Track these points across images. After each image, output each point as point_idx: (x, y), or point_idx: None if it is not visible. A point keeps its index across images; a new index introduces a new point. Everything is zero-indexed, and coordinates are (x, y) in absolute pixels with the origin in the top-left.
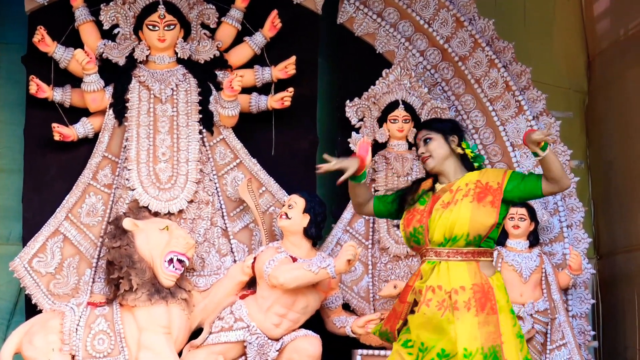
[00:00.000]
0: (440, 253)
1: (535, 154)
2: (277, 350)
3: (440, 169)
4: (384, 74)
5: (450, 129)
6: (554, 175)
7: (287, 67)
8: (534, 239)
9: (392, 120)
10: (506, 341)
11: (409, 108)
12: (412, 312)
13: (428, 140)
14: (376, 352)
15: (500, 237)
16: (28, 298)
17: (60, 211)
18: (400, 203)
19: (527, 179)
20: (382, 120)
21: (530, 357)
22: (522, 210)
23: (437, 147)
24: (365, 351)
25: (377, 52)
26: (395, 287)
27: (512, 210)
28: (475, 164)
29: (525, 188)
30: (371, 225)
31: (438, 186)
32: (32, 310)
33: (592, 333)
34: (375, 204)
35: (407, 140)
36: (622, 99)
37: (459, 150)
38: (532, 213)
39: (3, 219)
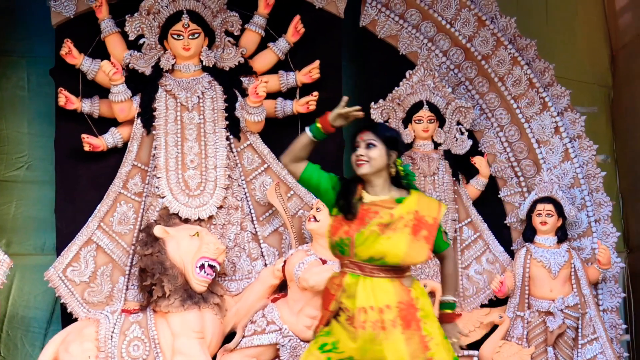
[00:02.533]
0: (364, 268)
1: None
2: None
3: (370, 178)
4: (407, 75)
5: (394, 143)
6: None
7: (311, 72)
8: (562, 235)
9: (417, 121)
10: (436, 346)
11: (433, 108)
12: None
13: (371, 146)
14: None
15: (528, 233)
16: (64, 307)
17: (92, 220)
18: (329, 193)
19: (440, 233)
20: (407, 121)
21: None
22: (550, 207)
23: (378, 156)
24: None
25: (400, 53)
26: (424, 286)
27: (540, 206)
28: (404, 182)
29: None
30: None
31: (367, 197)
32: (67, 318)
33: (624, 327)
34: (308, 170)
35: (433, 140)
36: None
37: (393, 168)
38: (560, 209)
39: (37, 230)
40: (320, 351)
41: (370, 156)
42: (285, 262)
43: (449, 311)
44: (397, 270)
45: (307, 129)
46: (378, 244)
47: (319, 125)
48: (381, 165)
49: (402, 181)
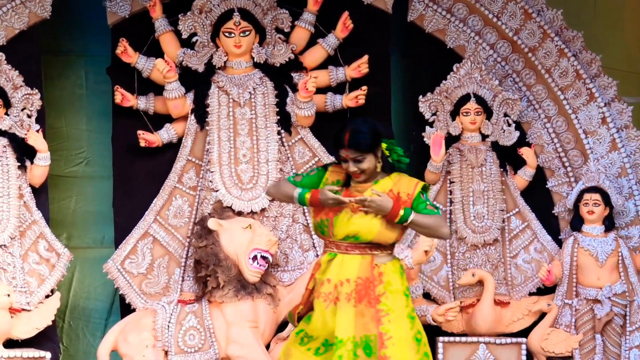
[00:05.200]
0: (340, 246)
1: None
2: None
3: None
4: (455, 68)
5: (376, 144)
6: (427, 234)
7: (360, 67)
8: (609, 224)
9: (464, 113)
10: (389, 322)
11: (480, 101)
12: None
13: (358, 162)
14: (457, 338)
15: (576, 222)
16: (122, 298)
17: (148, 214)
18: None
19: (424, 205)
20: (454, 114)
21: (421, 336)
22: (597, 196)
23: (368, 164)
24: (447, 338)
25: (448, 47)
26: (473, 275)
27: (587, 196)
28: (391, 163)
29: (417, 211)
30: (448, 216)
31: (353, 182)
32: (126, 309)
33: None
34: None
35: (480, 132)
36: None
37: (380, 162)
38: (607, 198)
39: (96, 224)
40: (300, 345)
41: (362, 168)
42: None
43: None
44: (372, 247)
45: (296, 193)
46: (351, 223)
47: (307, 198)
48: (374, 167)
49: (388, 165)
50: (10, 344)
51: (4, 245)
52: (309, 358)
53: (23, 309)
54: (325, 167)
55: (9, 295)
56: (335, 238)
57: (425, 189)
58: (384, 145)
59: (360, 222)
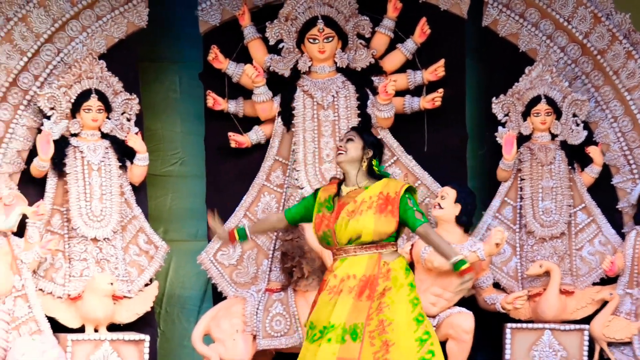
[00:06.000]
0: (348, 250)
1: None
2: (434, 327)
3: (346, 169)
4: (526, 71)
5: (371, 143)
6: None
7: (436, 70)
8: None
9: (535, 114)
10: (392, 331)
11: (551, 102)
12: None
13: (350, 140)
14: (524, 325)
15: (638, 217)
16: (214, 287)
17: (239, 210)
18: (310, 209)
19: (412, 211)
20: (526, 114)
21: (423, 318)
22: None
23: (353, 148)
24: (514, 324)
25: (520, 50)
26: (540, 266)
27: None
28: (377, 172)
29: (406, 215)
30: (518, 211)
31: (344, 189)
32: (218, 297)
33: None
34: (288, 217)
35: (550, 132)
36: None
37: (365, 162)
38: None
39: (191, 219)
40: (310, 342)
41: (347, 147)
42: (412, 245)
43: (461, 269)
44: (377, 246)
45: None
46: (350, 227)
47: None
48: (355, 157)
49: (375, 173)
50: (113, 327)
51: (108, 238)
52: (307, 346)
53: (124, 296)
54: (315, 193)
55: (112, 283)
56: (341, 244)
57: (411, 191)
58: (374, 162)
59: (357, 225)
